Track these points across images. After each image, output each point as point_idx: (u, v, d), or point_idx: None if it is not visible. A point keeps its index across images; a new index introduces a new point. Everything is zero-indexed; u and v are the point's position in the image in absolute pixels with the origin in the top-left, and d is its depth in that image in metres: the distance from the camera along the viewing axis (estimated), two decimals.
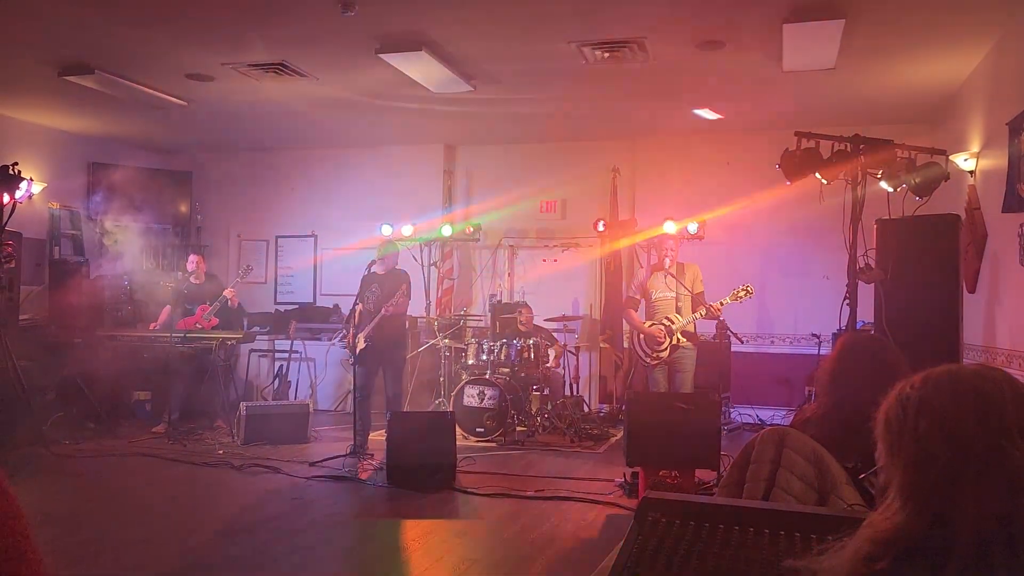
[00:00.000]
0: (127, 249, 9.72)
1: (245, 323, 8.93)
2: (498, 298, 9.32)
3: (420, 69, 6.61)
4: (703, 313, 6.36)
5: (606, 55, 6.36)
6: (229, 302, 7.80)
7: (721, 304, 6.36)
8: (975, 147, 6.39)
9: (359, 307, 6.81)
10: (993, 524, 1.02)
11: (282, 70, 6.87)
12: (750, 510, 1.64)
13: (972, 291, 6.30)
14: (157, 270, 9.93)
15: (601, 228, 8.88)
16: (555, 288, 9.49)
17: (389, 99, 7.79)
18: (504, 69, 6.85)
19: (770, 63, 6.44)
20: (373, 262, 6.86)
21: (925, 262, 5.18)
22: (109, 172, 9.62)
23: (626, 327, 7.53)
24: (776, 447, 2.46)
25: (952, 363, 1.19)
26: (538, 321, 8.59)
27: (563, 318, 8.64)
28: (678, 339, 6.37)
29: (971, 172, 6.40)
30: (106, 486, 5.80)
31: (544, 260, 9.69)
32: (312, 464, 6.33)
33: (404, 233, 9.18)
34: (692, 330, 6.50)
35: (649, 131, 9.14)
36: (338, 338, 9.03)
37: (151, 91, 7.45)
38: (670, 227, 7.83)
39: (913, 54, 6.28)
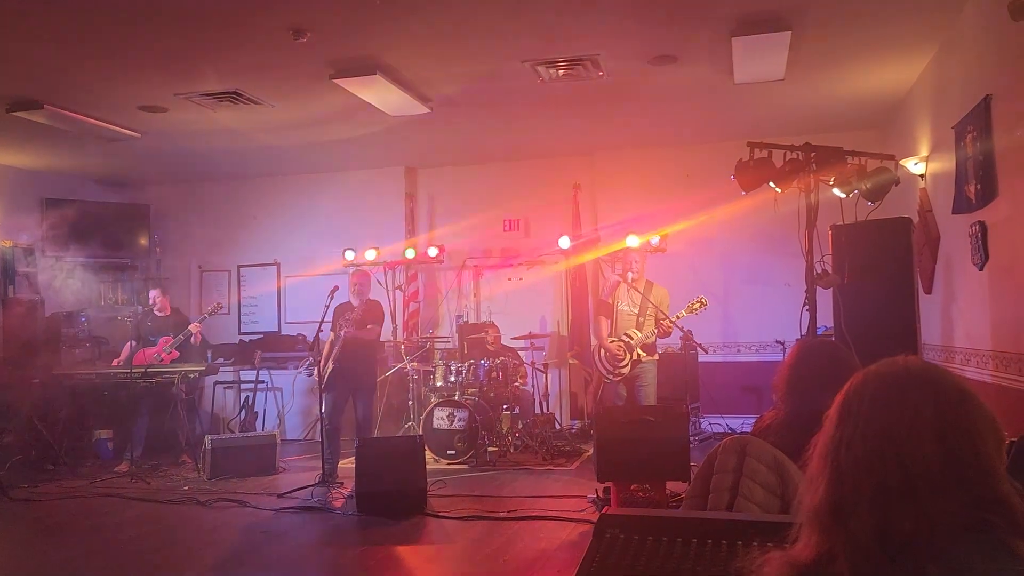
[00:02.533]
0: (84, 285, 9.55)
1: (209, 355, 8.80)
2: (464, 319, 9.30)
3: (375, 93, 6.61)
4: (659, 331, 6.40)
5: (561, 73, 6.41)
6: (193, 338, 7.70)
7: (677, 318, 6.39)
8: (924, 151, 6.53)
9: (332, 336, 6.82)
10: (899, 533, 1.02)
11: (236, 99, 6.82)
12: (708, 522, 1.63)
13: (928, 292, 6.41)
14: (116, 305, 9.76)
15: (565, 244, 8.92)
16: (521, 306, 9.49)
17: (346, 124, 7.77)
18: (460, 90, 6.87)
19: (721, 76, 6.54)
20: (336, 288, 6.83)
21: (880, 265, 5.26)
22: (64, 208, 9.46)
23: (593, 341, 7.54)
24: (738, 456, 2.47)
25: (889, 361, 1.19)
26: (505, 340, 8.57)
27: (530, 335, 8.63)
28: (638, 354, 6.38)
29: (921, 176, 6.53)
30: (68, 529, 5.64)
31: (509, 279, 9.69)
32: (280, 496, 6.22)
33: (367, 257, 9.14)
34: (652, 343, 6.50)
35: (608, 146, 9.21)
36: (304, 367, 8.94)
37: (103, 124, 7.35)
38: (633, 241, 7.88)
39: (859, 62, 6.41)
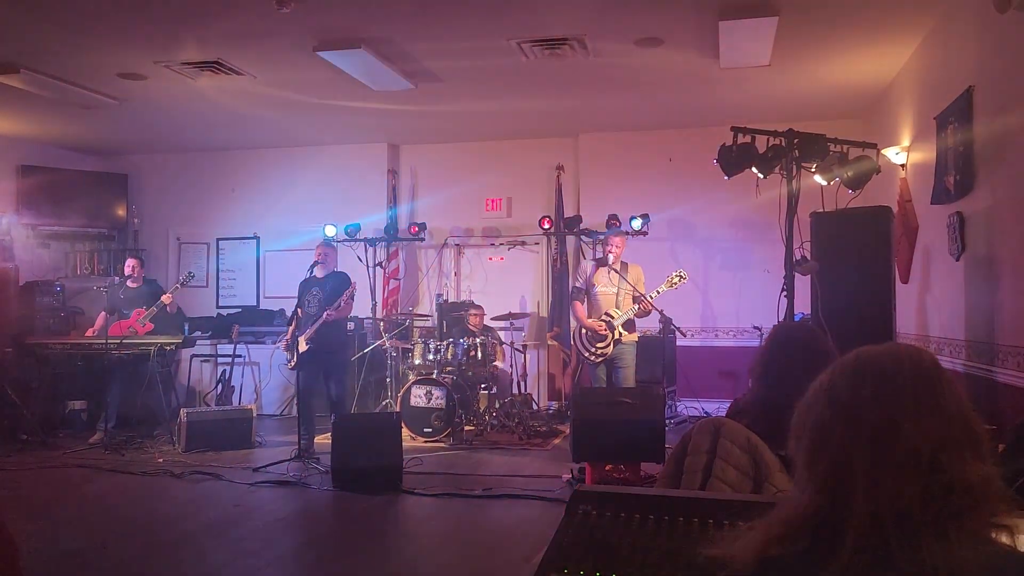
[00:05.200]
0: (60, 254, 9.44)
1: (186, 327, 8.74)
2: (444, 297, 9.29)
3: (359, 67, 6.54)
4: (638, 308, 6.40)
5: (547, 52, 6.37)
6: (167, 308, 7.62)
7: (657, 293, 6.40)
8: (905, 141, 6.57)
9: (299, 311, 6.77)
10: (885, 502, 1.03)
11: (218, 68, 6.73)
12: (681, 499, 1.64)
13: (905, 281, 6.47)
14: (92, 275, 9.65)
15: (546, 225, 8.91)
16: (502, 286, 9.49)
17: (329, 97, 7.69)
18: (444, 67, 6.81)
19: (707, 60, 6.53)
20: (316, 264, 6.80)
21: (859, 254, 5.29)
22: (41, 175, 9.33)
23: (572, 323, 7.55)
24: (712, 437, 2.48)
25: (874, 343, 1.20)
26: (485, 320, 8.57)
27: (510, 315, 8.63)
28: (620, 333, 6.39)
29: (902, 165, 6.57)
30: (39, 499, 5.60)
31: (490, 258, 9.69)
32: (256, 470, 6.21)
33: (348, 233, 9.08)
34: (632, 325, 6.52)
35: (592, 128, 9.19)
36: (282, 341, 8.90)
37: (81, 90, 7.23)
38: (615, 225, 7.91)
39: (845, 51, 6.42)
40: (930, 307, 6.09)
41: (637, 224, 8.38)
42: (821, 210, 5.39)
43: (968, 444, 1.07)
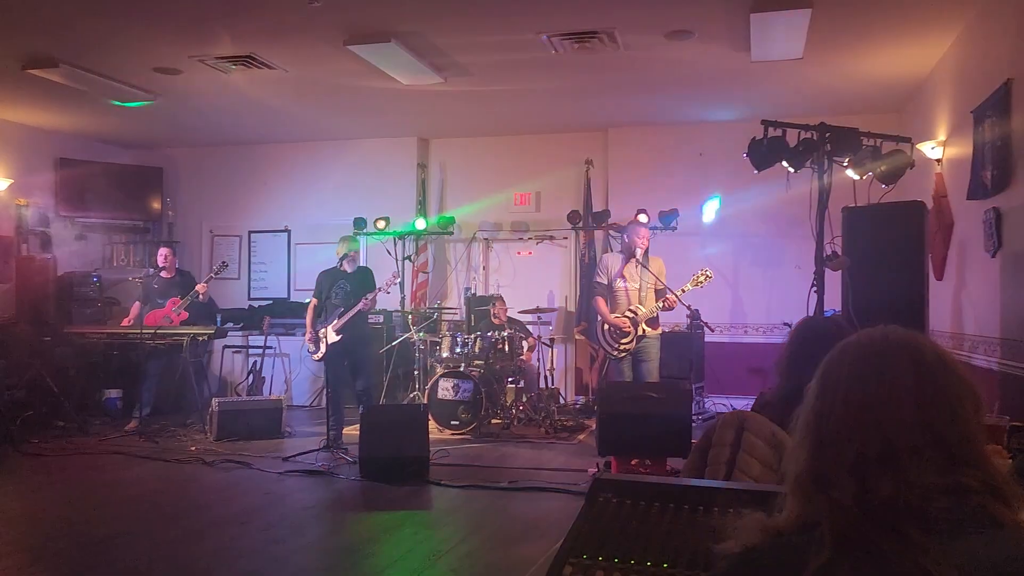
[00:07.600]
0: (96, 245, 9.61)
1: (218, 318, 8.87)
2: (472, 291, 9.32)
3: (389, 61, 6.58)
4: (661, 305, 6.36)
5: (576, 46, 6.36)
6: (200, 296, 7.75)
7: (682, 291, 6.34)
8: (941, 135, 6.46)
9: (314, 301, 6.83)
10: (878, 497, 1.01)
11: (250, 63, 6.81)
12: (701, 489, 1.64)
13: (940, 278, 6.37)
14: (128, 267, 9.84)
15: (575, 220, 8.89)
16: (529, 280, 9.50)
17: (360, 91, 7.74)
18: (475, 61, 6.82)
19: (738, 53, 6.47)
20: (346, 256, 6.84)
21: (892, 249, 5.21)
22: (78, 168, 9.51)
23: (599, 318, 7.52)
24: (736, 431, 2.47)
25: (869, 330, 1.19)
26: (512, 313, 8.59)
27: (537, 310, 8.63)
28: (643, 329, 6.35)
29: (938, 160, 6.46)
30: (75, 484, 5.73)
31: (518, 252, 9.70)
32: (285, 459, 6.30)
33: (378, 227, 9.14)
34: (655, 321, 6.48)
35: (621, 122, 9.14)
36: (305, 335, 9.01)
37: (118, 84, 7.36)
38: (643, 218, 7.87)
39: (880, 43, 6.32)
40: (965, 304, 5.99)
41: (667, 219, 8.33)
42: (853, 205, 5.32)
43: (978, 435, 1.05)
